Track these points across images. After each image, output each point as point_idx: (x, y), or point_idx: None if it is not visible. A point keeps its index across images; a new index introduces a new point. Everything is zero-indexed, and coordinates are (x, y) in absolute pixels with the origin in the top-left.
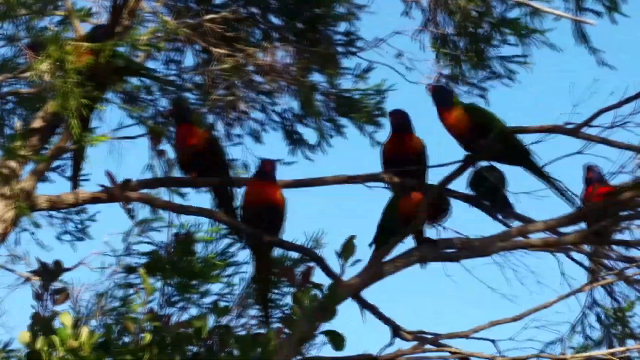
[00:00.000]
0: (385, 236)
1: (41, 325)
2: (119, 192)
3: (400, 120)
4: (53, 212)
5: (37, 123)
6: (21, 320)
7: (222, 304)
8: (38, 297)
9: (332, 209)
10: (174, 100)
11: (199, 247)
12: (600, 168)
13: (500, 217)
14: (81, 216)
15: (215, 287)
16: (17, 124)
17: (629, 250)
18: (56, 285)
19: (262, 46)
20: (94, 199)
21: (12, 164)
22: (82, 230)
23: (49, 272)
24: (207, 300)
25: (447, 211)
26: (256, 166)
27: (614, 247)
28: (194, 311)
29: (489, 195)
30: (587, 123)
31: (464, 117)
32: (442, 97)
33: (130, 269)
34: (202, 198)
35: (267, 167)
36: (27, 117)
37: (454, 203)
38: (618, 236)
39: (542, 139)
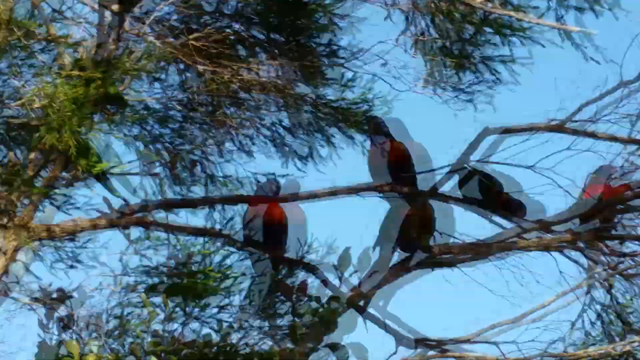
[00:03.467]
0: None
1: (48, 354)
2: (116, 218)
3: (379, 129)
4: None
5: (31, 154)
6: (18, 346)
7: (223, 317)
8: (43, 325)
9: (326, 220)
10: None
11: (196, 261)
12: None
13: (493, 219)
14: (74, 244)
15: (215, 300)
16: (11, 155)
17: (623, 246)
18: (60, 312)
19: (247, 61)
20: (93, 226)
21: (9, 195)
22: (75, 259)
23: (52, 300)
24: (208, 313)
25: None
26: (260, 185)
27: (609, 243)
28: (195, 325)
29: (483, 197)
30: (570, 118)
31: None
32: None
33: (130, 289)
34: (197, 218)
35: (271, 187)
36: (21, 148)
37: (450, 207)
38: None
39: (529, 138)
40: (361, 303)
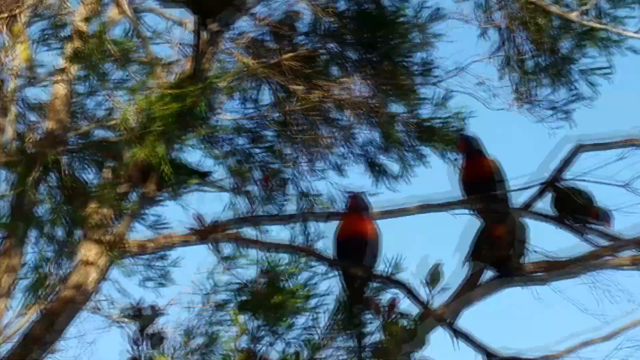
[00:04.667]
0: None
1: None
2: (207, 233)
3: (469, 146)
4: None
5: (125, 171)
6: None
7: (310, 337)
8: (134, 341)
9: (414, 237)
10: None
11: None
12: None
13: (587, 236)
14: (163, 262)
15: (300, 321)
16: (106, 172)
17: None
18: (151, 328)
19: (340, 81)
20: (184, 242)
21: (104, 211)
22: (164, 276)
23: (143, 316)
24: (293, 334)
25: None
26: (346, 201)
27: None
28: (280, 346)
29: (575, 215)
30: None
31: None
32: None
33: (219, 306)
34: (284, 233)
35: (354, 201)
36: (115, 165)
37: (540, 225)
38: None
39: (625, 155)
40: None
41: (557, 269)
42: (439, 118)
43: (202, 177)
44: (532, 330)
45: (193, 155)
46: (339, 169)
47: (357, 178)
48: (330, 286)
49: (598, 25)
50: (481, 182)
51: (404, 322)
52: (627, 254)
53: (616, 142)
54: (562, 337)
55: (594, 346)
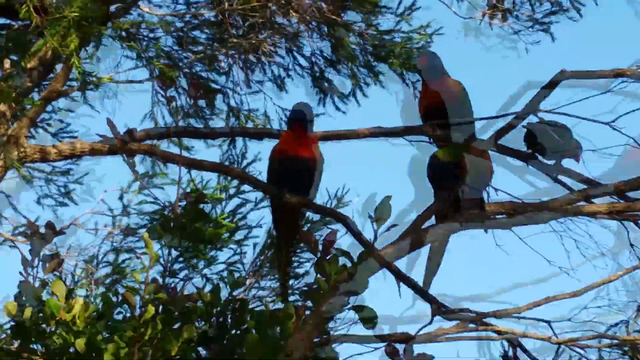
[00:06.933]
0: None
1: (29, 295)
2: (121, 143)
3: (430, 64)
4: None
5: (30, 63)
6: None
7: (234, 273)
8: (26, 263)
9: (359, 166)
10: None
11: (207, 208)
12: None
13: (560, 178)
14: (67, 178)
15: (223, 255)
16: (7, 63)
17: None
18: (47, 250)
19: None
20: (93, 151)
21: (2, 107)
22: (66, 194)
23: (39, 235)
24: (214, 269)
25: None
26: (287, 116)
27: None
28: (198, 281)
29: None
30: None
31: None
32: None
33: (130, 231)
34: (212, 153)
35: (298, 117)
36: (18, 56)
37: (508, 161)
38: None
39: (610, 89)
40: None
41: (523, 212)
42: (401, 32)
43: None
44: (490, 280)
45: (110, 52)
46: (279, 83)
47: (300, 96)
48: (262, 217)
49: None
50: (443, 107)
51: (343, 261)
52: (604, 201)
53: (602, 72)
54: (525, 291)
55: (558, 302)
